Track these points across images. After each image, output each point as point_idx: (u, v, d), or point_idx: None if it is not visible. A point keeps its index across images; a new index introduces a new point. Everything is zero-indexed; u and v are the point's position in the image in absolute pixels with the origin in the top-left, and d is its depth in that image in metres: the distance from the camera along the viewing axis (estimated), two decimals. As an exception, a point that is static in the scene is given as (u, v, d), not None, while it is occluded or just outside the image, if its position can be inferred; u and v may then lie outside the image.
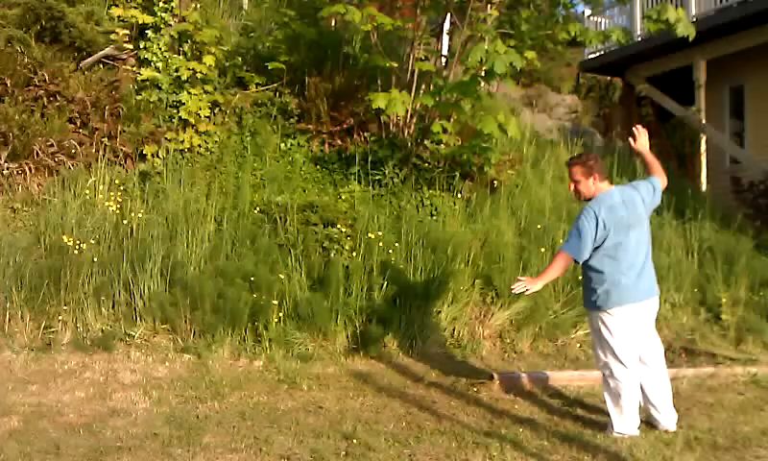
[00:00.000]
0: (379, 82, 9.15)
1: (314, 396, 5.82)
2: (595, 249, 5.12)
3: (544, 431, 5.16)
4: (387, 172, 8.55)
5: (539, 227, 8.31)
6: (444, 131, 9.14)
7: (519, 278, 5.37)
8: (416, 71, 9.12)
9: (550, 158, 9.99)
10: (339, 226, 7.58)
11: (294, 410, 5.47)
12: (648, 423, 5.25)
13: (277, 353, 6.50)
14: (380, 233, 7.58)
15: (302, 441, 4.86)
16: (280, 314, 6.73)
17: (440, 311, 7.19)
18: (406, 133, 9.21)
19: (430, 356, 6.88)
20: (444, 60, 10.08)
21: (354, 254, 7.43)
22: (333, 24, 10.55)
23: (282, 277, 6.97)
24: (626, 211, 5.18)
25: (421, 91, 9.08)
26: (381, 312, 6.97)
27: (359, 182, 8.56)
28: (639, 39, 13.60)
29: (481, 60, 7.82)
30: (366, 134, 9.35)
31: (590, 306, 5.24)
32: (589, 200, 5.23)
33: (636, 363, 5.12)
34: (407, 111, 8.86)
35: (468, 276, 7.52)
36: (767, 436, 5.18)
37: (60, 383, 5.83)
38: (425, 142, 9.14)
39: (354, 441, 4.85)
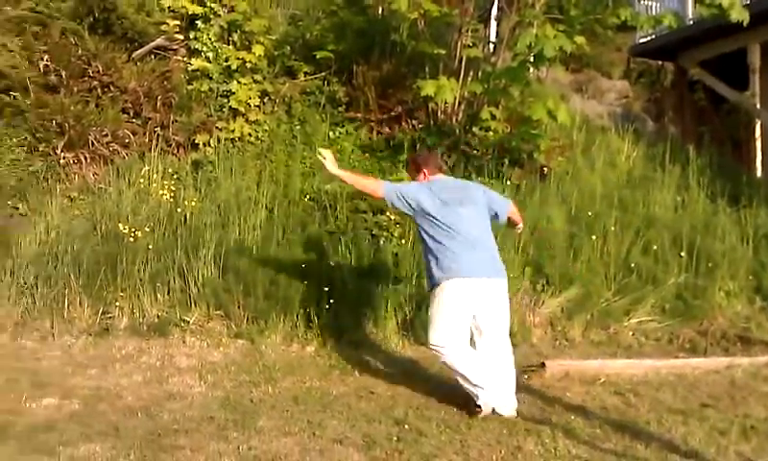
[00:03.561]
0: (427, 69, 9.12)
1: (365, 381, 5.85)
2: (429, 223, 5.16)
3: (596, 419, 5.11)
4: (435, 159, 8.52)
5: (589, 214, 8.23)
6: (493, 117, 9.09)
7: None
8: (464, 58, 9.06)
9: (601, 144, 9.88)
10: (388, 213, 7.60)
11: (346, 395, 5.52)
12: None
13: (329, 339, 6.55)
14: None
15: (354, 425, 4.90)
16: (331, 301, 6.78)
17: (489, 298, 7.16)
18: (454, 121, 9.18)
19: (480, 343, 6.87)
20: (491, 46, 10.02)
21: (403, 241, 7.45)
22: (380, 12, 10.53)
23: (332, 264, 7.02)
24: (456, 191, 5.33)
25: (470, 78, 9.03)
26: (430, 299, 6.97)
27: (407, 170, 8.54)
28: (691, 23, 13.32)
29: (530, 45, 7.76)
30: (414, 122, 9.36)
31: (429, 281, 5.30)
32: None
33: (457, 338, 5.08)
34: (455, 98, 8.82)
35: (517, 263, 7.48)
36: (825, 425, 5.08)
37: (119, 367, 5.97)
38: (474, 129, 9.11)
39: (406, 426, 4.88)
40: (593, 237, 7.88)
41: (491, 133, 9.12)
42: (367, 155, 8.93)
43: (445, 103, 8.87)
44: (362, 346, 6.56)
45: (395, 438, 4.70)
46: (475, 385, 5.10)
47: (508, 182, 8.57)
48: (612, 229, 8.00)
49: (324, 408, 5.20)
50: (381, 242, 7.41)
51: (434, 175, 5.44)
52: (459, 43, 9.36)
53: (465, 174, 8.49)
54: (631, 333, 7.23)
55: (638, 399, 5.59)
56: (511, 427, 4.91)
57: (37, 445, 4.43)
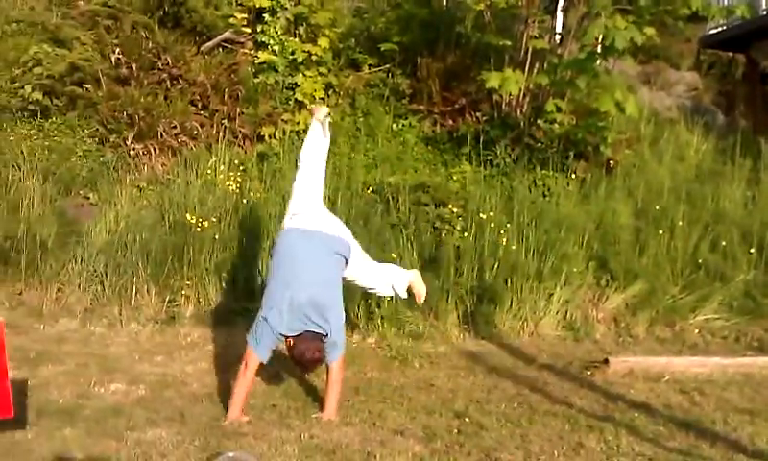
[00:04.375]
0: (492, 61, 9.06)
1: (425, 374, 5.87)
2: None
3: (661, 417, 5.04)
4: (499, 152, 8.50)
5: (656, 208, 8.08)
6: (558, 109, 8.96)
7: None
8: (530, 49, 8.96)
9: (669, 137, 9.67)
10: (450, 206, 7.61)
11: (406, 387, 5.54)
12: None
13: (389, 331, 6.58)
14: (491, 214, 7.55)
15: (415, 417, 4.92)
16: (392, 293, 6.81)
17: (552, 293, 7.09)
18: (519, 113, 9.10)
19: (542, 338, 6.84)
20: (558, 37, 9.89)
21: (465, 234, 7.42)
22: (445, 3, 10.52)
23: (394, 256, 7.03)
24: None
25: (535, 70, 8.94)
26: (492, 293, 6.95)
27: (470, 163, 8.55)
28: (765, 13, 12.89)
29: (599, 36, 7.65)
30: (477, 114, 9.31)
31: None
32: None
33: None
34: (520, 90, 8.74)
35: (581, 258, 7.40)
36: None
37: (184, 355, 6.09)
38: (538, 121, 9.01)
39: (466, 419, 4.88)
40: (660, 232, 7.73)
41: (556, 125, 9.00)
42: (429, 147, 8.96)
43: (510, 95, 8.81)
44: (422, 338, 6.58)
45: (455, 431, 4.71)
46: None
47: (573, 176, 8.47)
48: (680, 223, 7.84)
49: (384, 399, 5.24)
50: (443, 235, 7.41)
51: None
52: (525, 34, 9.25)
53: (528, 166, 8.42)
54: (697, 331, 7.09)
55: (704, 397, 5.48)
56: (573, 424, 4.87)
57: (106, 429, 4.56)
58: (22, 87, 8.41)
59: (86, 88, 8.52)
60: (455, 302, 6.89)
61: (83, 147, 8.28)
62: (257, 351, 4.77)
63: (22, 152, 8.07)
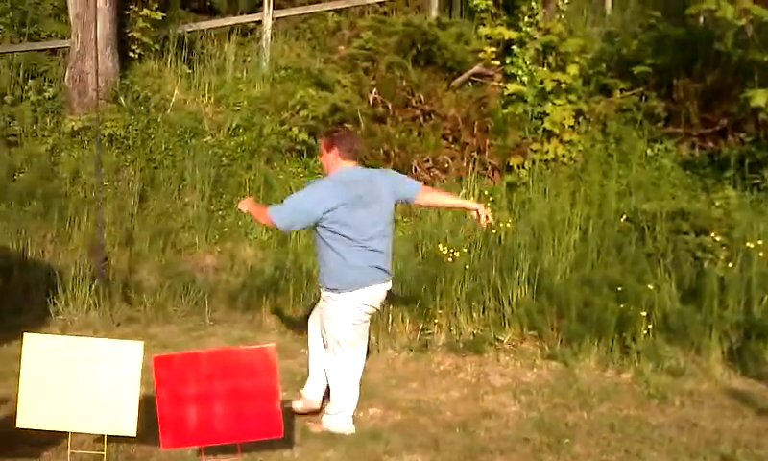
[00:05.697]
0: (756, 78, 8.48)
1: (686, 413, 5.55)
2: (323, 225, 4.89)
3: None
4: (767, 175, 7.89)
5: None
6: (838, 128, 8.19)
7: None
8: (800, 64, 8.30)
9: None
10: (713, 234, 7.17)
11: (665, 426, 5.27)
12: None
13: (646, 366, 6.28)
14: (760, 242, 6.99)
15: (677, 459, 4.70)
16: (649, 326, 6.50)
17: (836, 331, 6.42)
18: (789, 133, 8.42)
19: (822, 380, 6.20)
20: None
21: (730, 264, 6.94)
22: (702, 21, 10.01)
23: (651, 287, 6.74)
24: (363, 189, 4.94)
25: (808, 85, 8.23)
26: (762, 328, 6.41)
27: (734, 187, 8.06)
28: None
29: None
30: (741, 135, 8.75)
31: (321, 284, 5.11)
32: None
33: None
34: (790, 108, 8.10)
35: None
36: None
37: (437, 382, 6.23)
38: (813, 141, 8.28)
39: (734, 465, 4.57)
40: None
41: (833, 145, 8.23)
42: (688, 172, 8.56)
43: (778, 114, 8.19)
44: (682, 375, 6.21)
45: (722, 476, 4.43)
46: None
47: None
48: None
49: (642, 439, 5.03)
50: (705, 265, 6.98)
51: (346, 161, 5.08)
52: (793, 48, 8.58)
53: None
54: None
55: None
56: None
57: (365, 452, 4.77)
58: (290, 129, 9.18)
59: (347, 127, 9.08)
60: (719, 337, 6.45)
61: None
62: None
63: (290, 188, 8.76)
